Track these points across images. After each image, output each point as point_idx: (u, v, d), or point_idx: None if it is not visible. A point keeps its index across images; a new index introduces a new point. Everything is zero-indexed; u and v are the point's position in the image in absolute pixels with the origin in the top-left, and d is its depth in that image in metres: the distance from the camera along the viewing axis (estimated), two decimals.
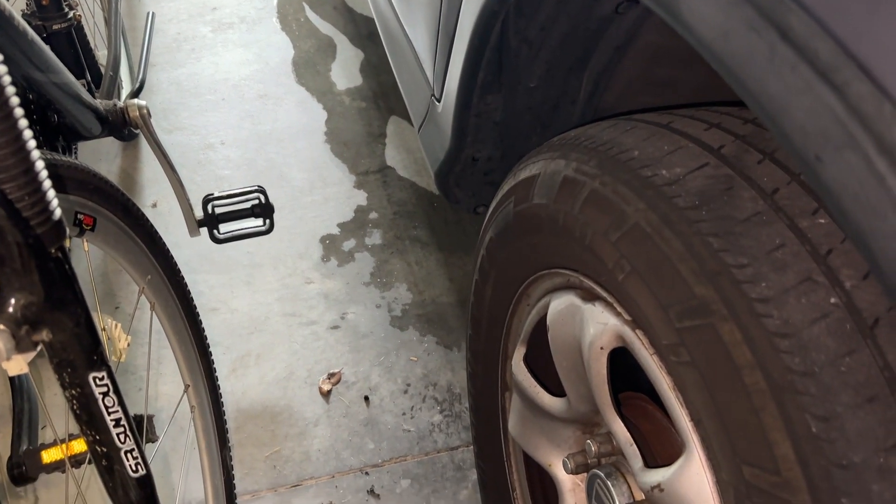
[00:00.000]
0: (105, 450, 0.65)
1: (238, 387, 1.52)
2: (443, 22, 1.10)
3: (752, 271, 0.55)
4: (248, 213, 1.41)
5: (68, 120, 1.11)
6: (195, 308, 1.08)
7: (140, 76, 1.61)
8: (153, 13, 1.78)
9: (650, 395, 0.82)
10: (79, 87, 1.11)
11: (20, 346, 0.54)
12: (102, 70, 1.57)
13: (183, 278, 1.05)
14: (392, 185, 1.95)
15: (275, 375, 1.55)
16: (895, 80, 0.39)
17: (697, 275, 0.58)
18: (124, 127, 1.24)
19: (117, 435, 0.65)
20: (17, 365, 0.55)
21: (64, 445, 0.88)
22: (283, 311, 1.66)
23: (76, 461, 0.87)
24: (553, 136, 0.86)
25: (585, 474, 0.88)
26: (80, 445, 0.88)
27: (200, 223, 1.37)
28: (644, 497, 0.77)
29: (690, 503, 0.64)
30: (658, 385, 0.66)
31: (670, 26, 0.57)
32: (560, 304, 0.82)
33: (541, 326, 0.89)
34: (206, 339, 1.11)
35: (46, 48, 0.96)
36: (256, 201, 1.41)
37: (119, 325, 1.01)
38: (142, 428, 0.93)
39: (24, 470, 0.93)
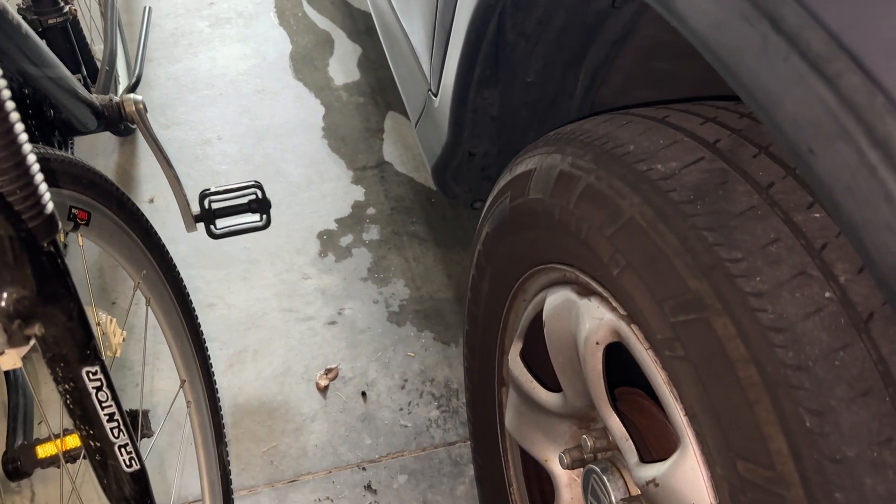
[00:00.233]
0: (99, 444, 0.65)
1: (235, 382, 1.52)
2: (439, 16, 1.10)
3: (746, 265, 0.55)
4: (244, 209, 1.41)
5: (64, 115, 1.11)
6: (191, 303, 1.08)
7: (137, 71, 1.61)
8: (150, 8, 1.78)
9: (646, 390, 0.82)
10: (74, 81, 1.10)
11: (12, 341, 0.54)
12: (99, 65, 1.57)
13: (179, 273, 1.05)
14: (390, 180, 1.95)
15: (272, 371, 1.55)
16: (887, 71, 0.39)
17: (692, 269, 0.58)
18: (120, 122, 1.24)
19: (111, 430, 0.65)
20: (11, 359, 0.55)
21: (59, 440, 0.88)
22: (280, 306, 1.66)
23: (71, 456, 0.87)
24: (550, 131, 0.86)
25: (581, 469, 0.88)
26: (74, 440, 0.88)
27: (197, 218, 1.37)
28: (639, 492, 0.77)
29: (685, 498, 0.64)
30: (653, 380, 0.66)
31: (666, 20, 0.57)
32: (556, 300, 0.82)
33: (537, 322, 0.89)
34: (203, 334, 1.11)
35: (42, 43, 0.96)
36: (253, 196, 1.41)
37: (114, 320, 1.01)
38: (137, 423, 0.93)
39: (20, 465, 0.93)
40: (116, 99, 1.23)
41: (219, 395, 1.16)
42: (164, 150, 1.28)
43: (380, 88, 2.21)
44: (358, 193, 1.91)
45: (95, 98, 1.20)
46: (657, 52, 0.96)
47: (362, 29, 2.44)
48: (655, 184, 0.63)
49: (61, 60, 1.05)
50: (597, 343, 0.74)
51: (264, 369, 1.55)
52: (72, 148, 1.31)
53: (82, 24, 1.58)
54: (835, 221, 0.54)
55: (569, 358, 0.81)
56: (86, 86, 1.45)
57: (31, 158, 0.51)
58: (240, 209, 1.40)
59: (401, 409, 1.49)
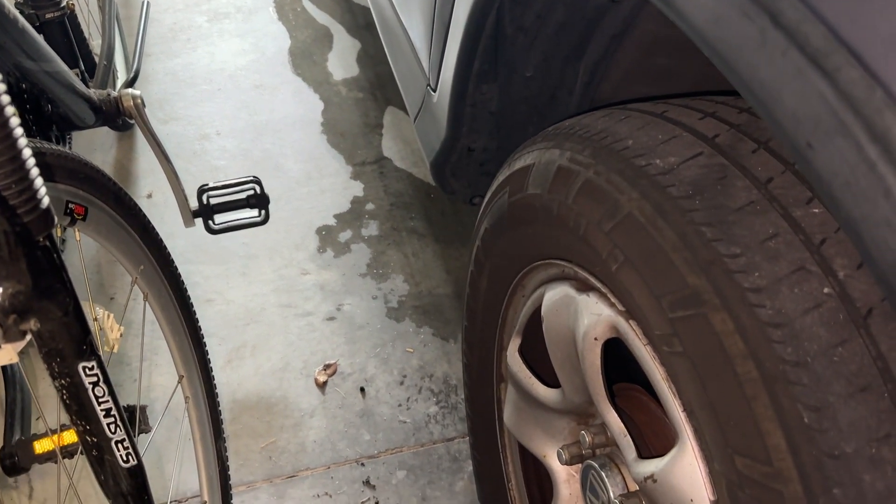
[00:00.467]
0: (95, 440, 0.65)
1: (233, 378, 1.52)
2: (438, 11, 1.09)
3: (745, 261, 0.55)
4: (243, 204, 1.41)
5: (62, 109, 1.10)
6: (189, 298, 1.08)
7: (135, 66, 1.61)
8: (148, 2, 1.78)
9: (644, 385, 0.82)
10: (72, 76, 1.10)
11: (8, 336, 0.54)
12: (96, 59, 1.56)
13: (176, 268, 1.05)
14: (389, 175, 1.95)
15: (270, 366, 1.54)
16: (886, 65, 0.39)
17: (690, 264, 0.58)
18: (118, 117, 1.24)
19: (108, 425, 0.64)
20: (7, 355, 0.55)
21: (56, 436, 0.88)
22: (278, 302, 1.66)
23: (68, 452, 0.87)
24: (549, 127, 0.86)
25: (580, 465, 0.88)
26: (71, 436, 0.88)
27: (195, 214, 1.37)
28: (638, 488, 0.77)
29: (683, 494, 0.64)
30: (651, 376, 0.66)
31: (666, 15, 0.57)
32: (554, 295, 0.82)
33: (536, 317, 0.89)
34: (201, 329, 1.11)
35: (39, 37, 0.96)
36: (252, 192, 1.41)
37: (111, 315, 1.00)
38: (134, 418, 0.93)
39: (17, 460, 0.92)
40: (114, 94, 1.23)
41: (217, 390, 1.16)
42: (162, 145, 1.27)
43: (379, 84, 2.21)
44: (357, 189, 1.91)
45: (93, 93, 1.20)
46: (656, 48, 0.95)
47: (361, 24, 2.43)
48: (654, 179, 0.63)
49: (59, 55, 1.04)
50: (595, 339, 0.74)
51: (263, 365, 1.55)
52: (69, 143, 1.30)
53: (80, 19, 1.58)
54: (834, 217, 0.54)
55: (567, 354, 0.81)
56: (84, 81, 1.45)
57: (27, 153, 0.51)
58: (238, 204, 1.40)
59: (399, 405, 1.49)
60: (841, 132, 0.41)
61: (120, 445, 0.65)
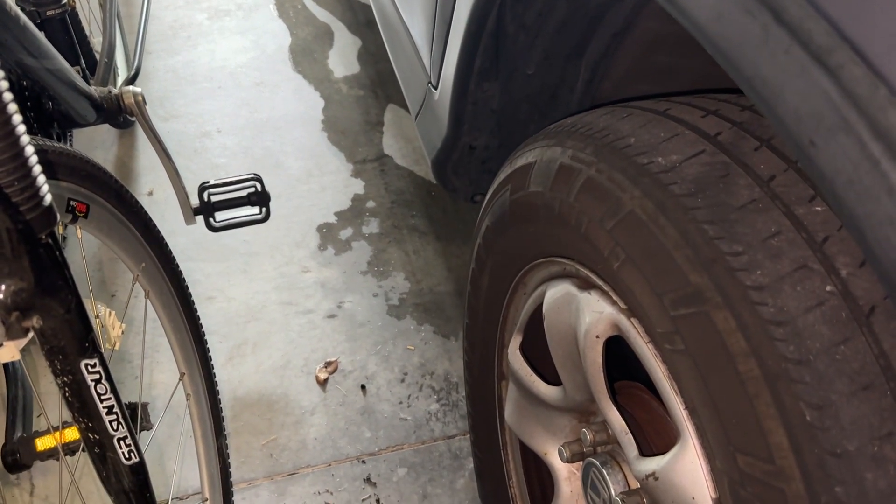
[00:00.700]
0: (97, 437, 0.65)
1: (234, 375, 1.52)
2: (440, 8, 1.09)
3: (747, 259, 0.55)
4: (244, 202, 1.41)
5: (63, 107, 1.10)
6: (190, 296, 1.08)
7: (136, 63, 1.61)
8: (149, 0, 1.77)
9: (646, 383, 0.82)
10: (73, 73, 1.10)
11: (11, 333, 0.54)
12: (97, 57, 1.56)
13: (178, 266, 1.05)
14: (390, 173, 1.95)
15: (271, 364, 1.54)
16: (889, 62, 0.38)
17: (692, 262, 0.58)
18: (119, 114, 1.24)
19: (110, 422, 0.64)
20: (9, 352, 0.55)
21: (58, 433, 0.88)
22: (279, 299, 1.66)
23: (70, 449, 0.87)
24: (550, 124, 0.86)
25: (581, 463, 0.88)
26: (73, 433, 0.88)
27: (196, 211, 1.37)
28: (639, 486, 0.77)
29: (685, 492, 0.64)
30: (653, 373, 0.66)
31: (667, 12, 0.57)
32: (556, 293, 0.82)
33: (537, 315, 0.89)
34: (202, 327, 1.11)
35: (40, 34, 0.96)
36: (253, 189, 1.41)
37: (113, 312, 1.00)
38: (136, 416, 0.93)
39: (19, 457, 0.93)
40: (115, 91, 1.23)
41: (218, 387, 1.16)
42: (163, 142, 1.27)
43: (380, 81, 2.21)
44: (358, 186, 1.91)
45: (94, 90, 1.20)
46: (657, 45, 0.95)
47: (362, 21, 2.43)
48: (656, 177, 0.63)
49: (60, 52, 1.04)
50: (597, 336, 0.74)
51: (264, 362, 1.55)
52: (70, 140, 1.30)
53: (81, 16, 1.58)
54: (836, 215, 0.54)
55: (569, 351, 0.81)
56: (85, 78, 1.45)
57: (29, 150, 0.51)
58: (239, 202, 1.40)
59: (400, 403, 1.49)
60: (844, 130, 0.41)
61: (122, 442, 0.65)
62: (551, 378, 0.90)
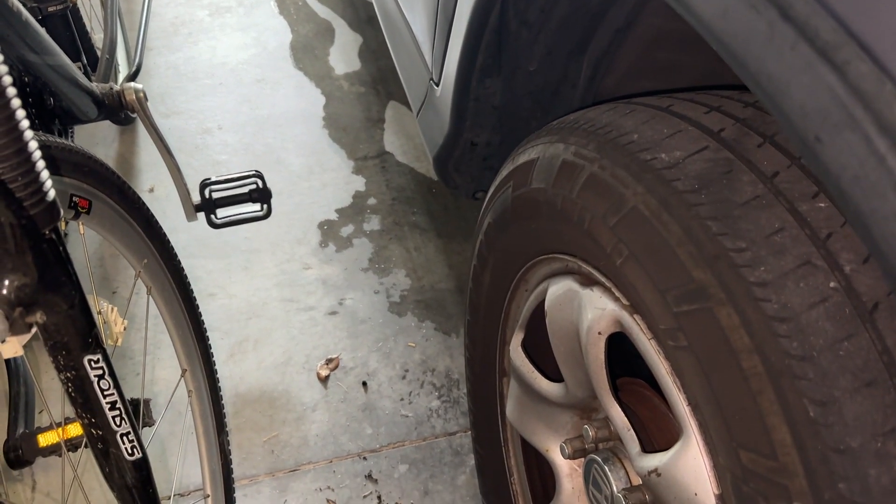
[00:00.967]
0: (100, 433, 0.65)
1: (236, 372, 1.52)
2: (442, 5, 1.09)
3: (750, 255, 0.55)
4: (245, 198, 1.41)
5: (64, 103, 1.10)
6: (192, 292, 1.08)
7: (137, 60, 1.60)
8: None
9: (648, 380, 0.82)
10: (75, 70, 1.10)
11: (14, 328, 0.54)
12: (99, 53, 1.56)
13: (180, 262, 1.05)
14: (391, 170, 1.95)
15: (273, 360, 1.55)
16: None
17: (696, 259, 0.58)
18: (121, 111, 1.24)
19: (113, 418, 0.64)
20: (12, 347, 0.55)
21: (60, 429, 0.88)
22: (281, 296, 1.66)
23: (72, 445, 0.87)
24: (552, 121, 0.86)
25: (583, 459, 0.88)
26: (76, 429, 0.88)
27: (198, 208, 1.37)
28: (641, 482, 0.77)
29: (687, 488, 0.64)
30: (656, 370, 0.66)
31: (670, 8, 0.57)
32: (558, 290, 0.82)
33: (539, 312, 0.89)
34: (204, 323, 1.11)
35: (42, 30, 0.96)
36: (254, 186, 1.40)
37: (115, 308, 1.00)
38: (138, 412, 0.93)
39: (21, 453, 0.93)
40: (117, 87, 1.23)
41: (220, 384, 1.16)
42: (164, 139, 1.27)
43: (381, 78, 2.21)
44: (359, 183, 1.91)
45: (96, 86, 1.20)
46: (660, 42, 0.95)
47: (363, 18, 2.43)
48: (659, 173, 0.63)
49: (61, 49, 1.04)
50: (599, 333, 0.74)
51: (265, 359, 1.55)
52: (72, 136, 1.30)
53: (82, 12, 1.58)
54: (841, 211, 0.53)
55: (571, 348, 0.81)
56: (86, 74, 1.44)
57: (33, 145, 0.51)
58: (240, 199, 1.40)
59: (402, 399, 1.50)
60: (850, 126, 0.41)
61: (125, 438, 0.66)
62: (553, 375, 0.90)
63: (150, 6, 1.85)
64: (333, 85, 2.18)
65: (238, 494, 1.30)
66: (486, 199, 0.97)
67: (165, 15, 2.40)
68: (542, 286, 0.87)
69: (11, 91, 0.49)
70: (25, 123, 0.50)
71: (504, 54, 1.01)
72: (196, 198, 1.37)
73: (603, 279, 0.73)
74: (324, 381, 1.52)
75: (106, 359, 0.63)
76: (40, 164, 0.52)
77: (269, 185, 1.42)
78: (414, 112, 1.36)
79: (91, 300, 0.63)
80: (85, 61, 1.49)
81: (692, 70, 0.96)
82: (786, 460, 0.52)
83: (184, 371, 1.07)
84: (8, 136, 0.49)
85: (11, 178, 0.50)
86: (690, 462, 0.63)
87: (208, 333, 1.13)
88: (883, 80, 0.39)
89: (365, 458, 1.41)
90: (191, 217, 1.37)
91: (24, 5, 1.28)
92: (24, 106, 0.50)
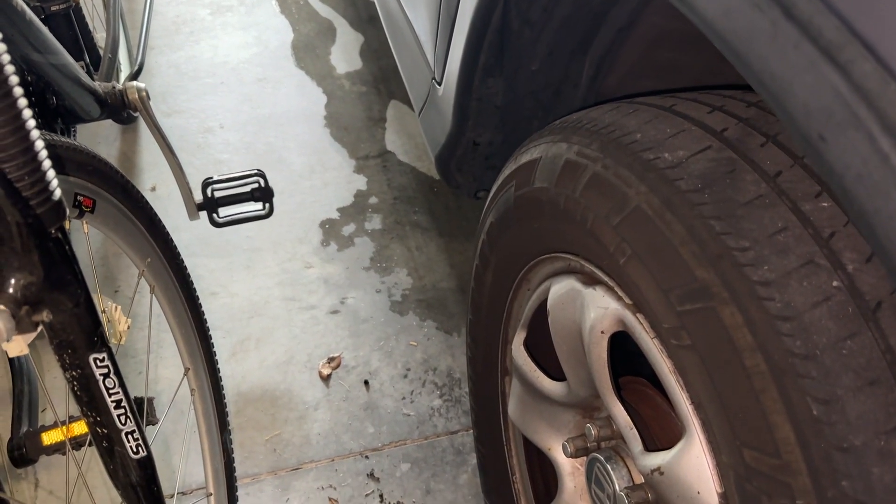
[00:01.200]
0: (106, 431, 0.65)
1: (238, 370, 1.52)
2: (444, 4, 1.09)
3: (753, 254, 0.55)
4: (247, 197, 1.41)
5: (67, 102, 1.10)
6: (195, 291, 1.08)
7: (139, 59, 1.61)
8: None
9: (650, 379, 0.82)
10: (77, 69, 1.10)
11: (20, 327, 0.54)
12: (101, 52, 1.56)
13: (183, 261, 1.05)
14: (392, 169, 1.95)
15: (275, 359, 1.55)
16: None
17: (699, 258, 0.58)
18: (123, 110, 1.24)
19: (118, 416, 0.65)
20: (18, 346, 0.55)
21: (64, 427, 0.88)
22: (282, 295, 1.66)
23: (77, 443, 0.88)
24: (554, 120, 0.86)
25: (585, 458, 0.88)
26: (80, 427, 0.88)
27: (200, 207, 1.37)
28: (644, 480, 0.77)
29: (690, 486, 0.64)
30: (658, 369, 0.66)
31: (673, 7, 0.57)
32: (561, 289, 0.82)
33: (541, 311, 0.89)
34: (206, 322, 1.11)
35: (45, 29, 0.96)
36: (256, 185, 1.41)
37: (119, 307, 1.01)
38: (142, 410, 0.93)
39: (25, 451, 0.93)
40: (119, 86, 1.23)
41: (222, 382, 1.16)
42: (166, 138, 1.27)
43: (382, 77, 2.21)
44: (360, 183, 1.91)
45: (98, 86, 1.20)
46: (663, 41, 0.95)
47: (365, 17, 2.43)
48: (662, 172, 0.63)
49: (64, 48, 1.04)
50: (602, 332, 0.74)
51: (267, 358, 1.55)
52: (74, 135, 1.30)
53: (85, 12, 1.58)
54: (844, 210, 0.54)
55: (573, 347, 0.81)
56: (89, 73, 1.45)
57: (40, 145, 0.51)
58: (242, 198, 1.40)
59: (403, 398, 1.50)
60: (854, 125, 0.41)
61: (130, 436, 0.66)
62: (555, 374, 0.90)
63: (152, 5, 1.85)
64: (335, 84, 2.19)
65: (240, 493, 1.30)
66: (489, 198, 0.98)
67: (167, 14, 2.40)
68: (545, 285, 0.88)
69: (18, 91, 0.49)
70: (32, 123, 0.51)
71: (506, 54, 1.01)
72: (198, 196, 1.37)
73: (606, 278, 0.73)
74: (325, 379, 1.52)
75: (111, 357, 0.63)
76: (46, 163, 0.53)
77: (270, 184, 1.42)
78: (416, 111, 1.36)
79: (96, 299, 0.63)
80: (87, 60, 1.49)
81: (694, 69, 0.96)
82: (789, 458, 0.52)
83: (187, 370, 1.07)
84: (15, 136, 0.49)
85: (18, 177, 0.51)
86: (693, 460, 0.63)
87: (210, 332, 1.13)
88: (886, 79, 0.39)
89: (367, 457, 1.41)
90: (193, 216, 1.37)
91: (28, 4, 1.28)
92: (28, 105, 0.50)
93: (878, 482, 0.49)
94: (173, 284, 1.02)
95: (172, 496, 1.28)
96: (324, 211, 1.84)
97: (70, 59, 1.06)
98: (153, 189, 1.87)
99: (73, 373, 0.61)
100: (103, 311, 0.91)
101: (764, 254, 0.55)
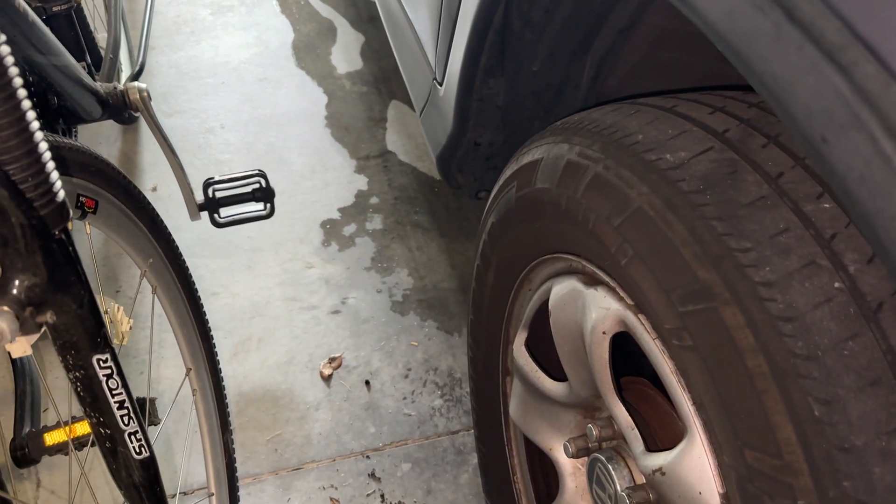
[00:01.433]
0: (109, 432, 0.65)
1: (239, 371, 1.53)
2: (445, 4, 1.09)
3: (755, 255, 0.55)
4: (248, 198, 1.41)
5: (68, 103, 1.10)
6: (196, 292, 1.08)
7: (140, 59, 1.61)
8: None
9: (652, 379, 0.82)
10: (79, 69, 1.10)
11: (24, 328, 0.54)
12: (102, 53, 1.56)
13: (184, 262, 1.05)
14: (393, 169, 1.95)
15: (276, 360, 1.55)
16: None
17: (701, 259, 0.58)
18: (124, 110, 1.24)
19: (121, 417, 0.65)
20: (21, 347, 0.55)
21: (67, 427, 0.88)
22: (283, 295, 1.66)
23: (79, 443, 0.88)
24: (556, 121, 0.86)
25: (586, 458, 0.88)
26: (83, 427, 0.88)
27: (201, 207, 1.37)
28: (645, 481, 0.77)
29: (692, 486, 0.64)
30: (660, 369, 0.66)
31: (674, 8, 0.57)
32: (562, 289, 0.82)
33: (542, 311, 0.89)
34: (208, 322, 1.11)
35: (47, 30, 0.96)
36: (257, 185, 1.41)
37: (121, 308, 1.01)
38: (144, 410, 0.94)
39: (27, 452, 0.93)
40: (121, 87, 1.23)
41: (224, 383, 1.17)
42: (167, 138, 1.27)
43: (383, 77, 2.21)
44: (361, 183, 1.91)
45: (100, 86, 1.20)
46: (663, 41, 0.95)
47: (365, 17, 2.43)
48: (664, 173, 0.63)
49: (66, 48, 1.04)
50: (603, 333, 0.74)
51: (268, 358, 1.55)
52: (75, 136, 1.30)
53: (86, 12, 1.58)
54: (846, 211, 0.54)
55: (574, 347, 0.81)
56: (90, 74, 1.45)
57: (43, 146, 0.52)
58: (244, 198, 1.40)
59: (404, 398, 1.50)
60: (856, 127, 0.41)
61: (133, 437, 0.66)
62: (556, 374, 0.90)
63: (152, 5, 1.85)
64: (335, 84, 2.19)
65: (242, 493, 1.30)
66: (490, 199, 0.98)
67: (168, 14, 2.41)
68: (546, 286, 0.88)
69: (22, 92, 0.49)
70: (36, 125, 0.51)
71: (507, 54, 1.01)
72: (199, 197, 1.37)
73: (607, 279, 0.73)
74: (327, 380, 1.52)
75: (114, 358, 0.63)
76: (50, 164, 0.53)
77: (271, 184, 1.43)
78: (417, 111, 1.37)
79: (98, 300, 0.63)
80: (89, 61, 1.49)
81: (695, 70, 0.96)
82: (790, 459, 0.52)
83: (188, 370, 1.08)
84: (19, 137, 0.50)
85: (22, 178, 0.51)
86: (695, 461, 0.63)
87: (212, 332, 1.13)
88: (889, 81, 0.39)
89: (368, 457, 1.41)
90: (194, 216, 1.37)
91: (30, 5, 1.28)
92: (31, 107, 0.50)
93: (879, 482, 0.49)
94: (175, 285, 1.02)
95: (174, 496, 1.29)
96: (325, 211, 1.84)
97: (72, 60, 1.06)
98: (154, 189, 1.87)
99: (77, 374, 0.62)
100: (105, 312, 0.91)
101: (766, 255, 0.55)
